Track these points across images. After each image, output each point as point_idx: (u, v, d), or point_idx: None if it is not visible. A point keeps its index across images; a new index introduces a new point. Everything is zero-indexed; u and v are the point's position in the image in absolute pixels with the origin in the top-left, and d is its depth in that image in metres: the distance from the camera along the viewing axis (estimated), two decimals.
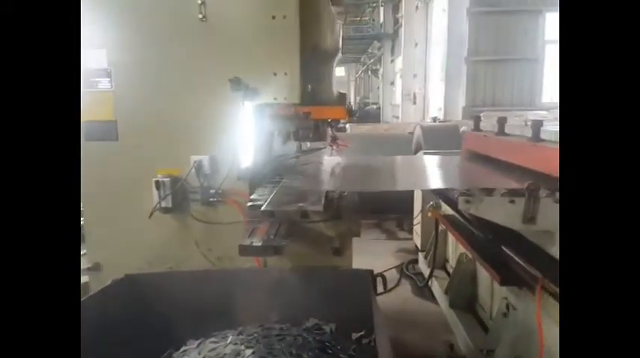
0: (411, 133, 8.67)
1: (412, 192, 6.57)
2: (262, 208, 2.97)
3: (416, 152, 7.65)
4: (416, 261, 6.50)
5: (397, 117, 23.61)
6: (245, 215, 3.39)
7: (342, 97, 3.97)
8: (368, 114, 24.08)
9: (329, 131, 4.09)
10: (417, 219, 6.43)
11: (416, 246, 6.72)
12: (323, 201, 3.10)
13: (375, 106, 28.14)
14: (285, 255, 3.03)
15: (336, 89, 4.00)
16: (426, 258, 5.92)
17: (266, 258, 3.30)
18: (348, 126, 10.55)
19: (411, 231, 7.31)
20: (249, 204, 3.23)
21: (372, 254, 6.82)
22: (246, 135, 3.56)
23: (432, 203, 4.97)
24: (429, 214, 4.78)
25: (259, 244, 2.84)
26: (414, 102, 21.21)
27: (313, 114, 3.56)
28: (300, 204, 2.97)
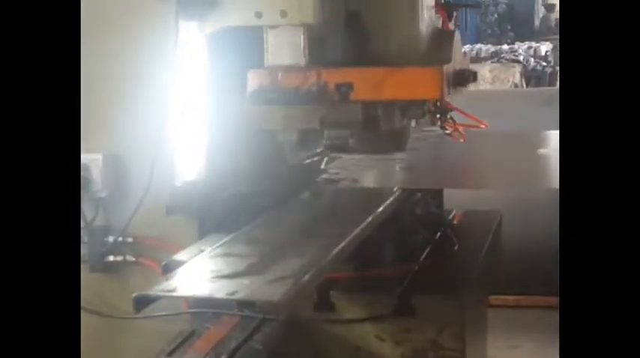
0: None
1: None
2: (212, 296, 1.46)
3: None
4: None
5: None
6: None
7: (444, 42, 2.12)
8: None
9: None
10: None
11: None
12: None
13: None
14: None
15: (428, 17, 2.21)
16: None
17: None
18: None
19: None
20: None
21: None
22: (189, 109, 2.26)
23: None
24: None
25: None
26: None
27: (362, 91, 1.92)
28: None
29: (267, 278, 1.36)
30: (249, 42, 1.97)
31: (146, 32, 2.16)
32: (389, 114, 2.05)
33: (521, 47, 10.95)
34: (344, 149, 2.14)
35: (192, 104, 2.16)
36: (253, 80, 1.88)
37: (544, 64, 11.05)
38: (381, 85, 1.94)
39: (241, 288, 1.31)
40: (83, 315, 1.85)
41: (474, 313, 2.10)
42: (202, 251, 1.80)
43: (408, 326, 1.86)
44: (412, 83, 1.96)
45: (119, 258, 2.30)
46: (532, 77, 10.07)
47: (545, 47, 11.33)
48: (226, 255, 1.52)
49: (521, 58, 10.32)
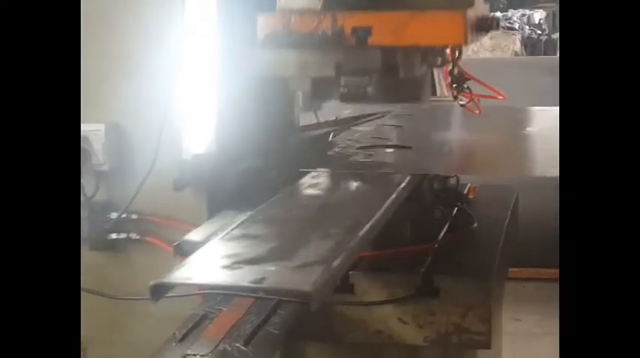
0: None
1: None
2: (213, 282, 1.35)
3: None
4: None
5: None
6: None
7: None
8: None
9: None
10: None
11: None
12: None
13: None
14: None
15: None
16: None
17: None
18: None
19: None
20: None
21: None
22: (198, 75, 2.12)
23: None
24: None
25: None
26: None
27: (380, 36, 1.87)
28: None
29: (294, 263, 1.24)
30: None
31: None
32: (409, 60, 2.00)
33: (514, 15, 10.87)
34: (361, 98, 2.04)
35: (201, 70, 2.03)
36: (264, 25, 1.82)
37: (539, 31, 10.99)
38: (401, 30, 1.86)
39: (267, 276, 1.19)
40: (84, 297, 1.78)
41: (496, 292, 2.04)
42: (216, 231, 1.71)
43: (432, 309, 1.80)
44: (435, 27, 1.89)
45: (122, 236, 2.22)
46: (527, 45, 10.03)
47: (538, 15, 11.24)
48: (245, 236, 1.40)
49: (516, 25, 10.24)
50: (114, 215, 2.17)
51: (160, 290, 1.22)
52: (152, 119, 2.08)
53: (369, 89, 1.89)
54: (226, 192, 2.03)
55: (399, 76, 1.91)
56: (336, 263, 1.25)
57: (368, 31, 1.82)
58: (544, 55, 10.50)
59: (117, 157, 2.20)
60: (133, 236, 2.20)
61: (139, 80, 2.12)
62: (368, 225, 1.46)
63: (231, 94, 1.99)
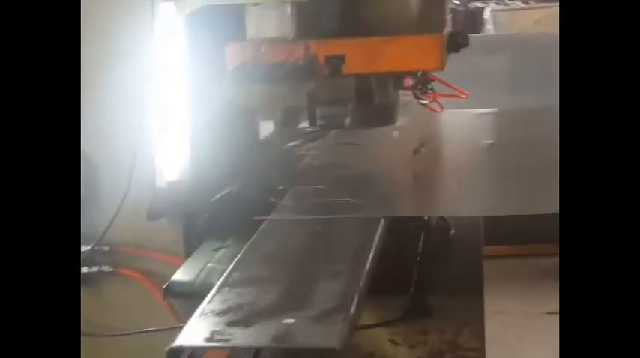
0: None
1: None
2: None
3: None
4: None
5: None
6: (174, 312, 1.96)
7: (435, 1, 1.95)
8: None
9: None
10: None
11: None
12: None
13: None
14: None
15: None
16: None
17: None
18: None
19: None
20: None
21: None
22: (170, 99, 2.04)
23: None
24: None
25: None
26: None
27: (354, 64, 1.82)
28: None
29: (312, 313, 1.19)
30: (232, 21, 1.80)
31: (120, 17, 1.97)
32: (383, 86, 1.95)
33: None
34: (339, 127, 2.08)
35: (172, 94, 1.95)
36: (233, 55, 1.75)
37: (456, 2, 11.00)
38: (375, 56, 1.82)
39: (289, 331, 1.15)
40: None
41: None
42: (204, 267, 1.64)
43: (424, 328, 1.76)
44: (410, 53, 1.83)
45: (94, 269, 2.14)
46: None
47: None
48: (248, 280, 1.33)
49: None
50: (85, 248, 2.08)
51: (176, 353, 1.16)
52: (123, 146, 2.00)
53: (347, 119, 1.89)
54: (203, 220, 1.96)
55: (373, 101, 1.89)
56: (353, 308, 1.21)
57: (341, 59, 1.78)
58: (460, 28, 10.50)
59: (87, 187, 2.12)
60: (105, 268, 2.14)
61: (109, 107, 2.05)
62: (369, 257, 1.43)
63: (203, 119, 1.93)
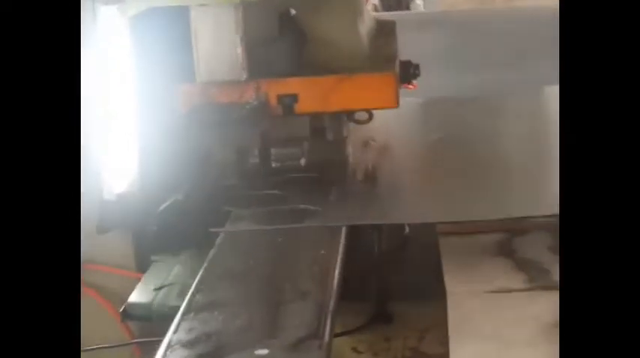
0: None
1: None
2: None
3: None
4: None
5: None
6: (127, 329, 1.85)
7: (386, 36, 2.04)
8: None
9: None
10: None
11: None
12: None
13: None
14: None
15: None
16: None
17: None
18: None
19: None
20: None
21: None
22: (115, 107, 1.95)
23: None
24: None
25: None
26: None
27: (308, 103, 1.80)
28: None
29: (285, 341, 1.14)
30: (178, 24, 1.76)
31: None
32: (336, 123, 1.93)
33: None
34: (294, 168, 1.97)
35: (117, 101, 1.87)
36: (185, 98, 1.72)
37: None
38: (328, 95, 1.80)
39: None
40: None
41: None
42: (161, 286, 1.57)
43: (387, 335, 1.74)
44: (364, 91, 1.82)
45: None
46: None
47: None
48: (212, 304, 1.27)
49: None
50: None
51: None
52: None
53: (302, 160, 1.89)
54: (153, 232, 1.86)
55: (326, 138, 1.88)
56: (327, 334, 1.17)
57: (294, 98, 1.75)
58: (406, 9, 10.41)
59: None
60: None
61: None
62: (336, 274, 1.38)
63: (151, 129, 1.86)
